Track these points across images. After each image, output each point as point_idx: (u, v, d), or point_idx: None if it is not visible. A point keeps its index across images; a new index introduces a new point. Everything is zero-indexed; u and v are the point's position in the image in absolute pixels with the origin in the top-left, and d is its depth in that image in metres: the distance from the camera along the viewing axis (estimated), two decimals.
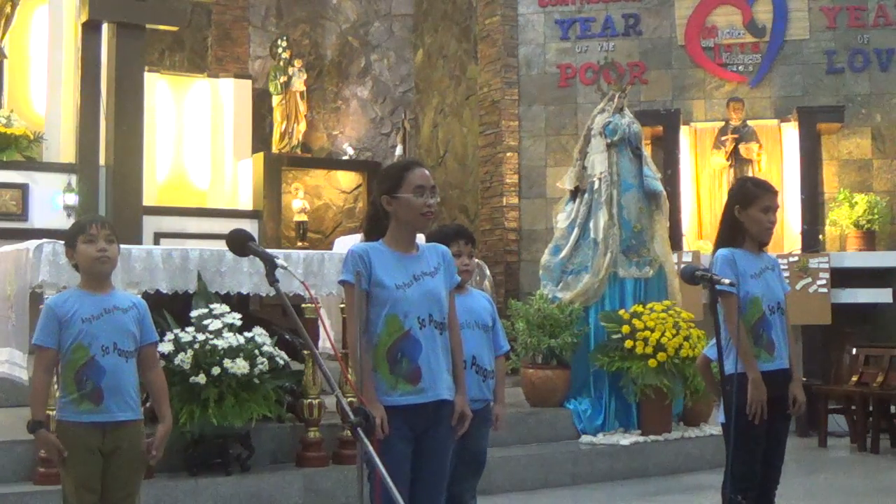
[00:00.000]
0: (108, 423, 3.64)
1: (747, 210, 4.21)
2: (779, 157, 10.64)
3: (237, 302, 6.15)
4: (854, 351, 9.02)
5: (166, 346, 5.50)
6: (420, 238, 3.73)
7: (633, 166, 8.04)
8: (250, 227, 11.69)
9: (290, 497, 5.91)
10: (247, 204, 12.72)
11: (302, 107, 13.28)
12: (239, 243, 3.09)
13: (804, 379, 8.89)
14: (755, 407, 4.05)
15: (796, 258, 9.64)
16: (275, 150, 13.09)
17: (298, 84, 13.20)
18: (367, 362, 3.38)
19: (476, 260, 8.97)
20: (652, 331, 7.40)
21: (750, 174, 10.11)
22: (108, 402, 3.63)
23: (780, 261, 4.52)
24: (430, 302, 3.47)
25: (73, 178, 10.60)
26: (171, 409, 3.94)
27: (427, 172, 3.57)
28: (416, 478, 3.45)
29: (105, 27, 10.55)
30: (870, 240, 10.11)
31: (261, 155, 12.69)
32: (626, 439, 7.38)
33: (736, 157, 10.46)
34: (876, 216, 10.04)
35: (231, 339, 5.62)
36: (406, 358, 3.42)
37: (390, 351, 3.42)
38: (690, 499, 6.62)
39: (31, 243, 5.57)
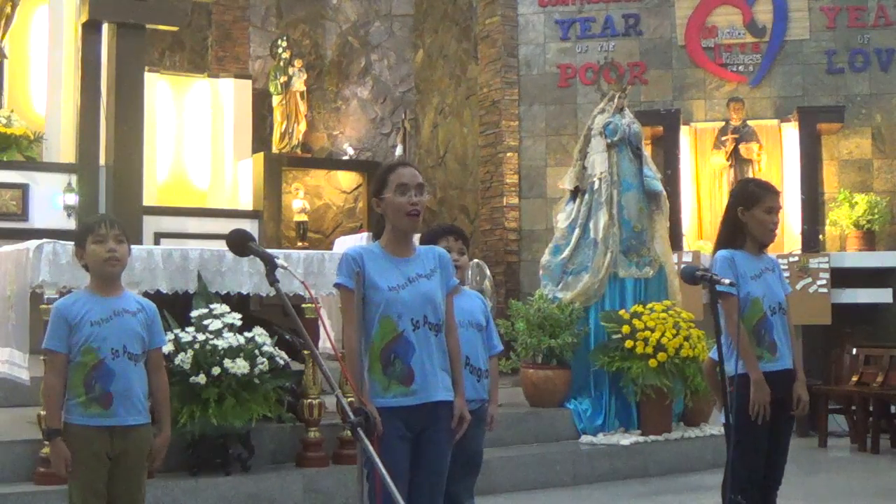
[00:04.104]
0: (117, 427, 3.62)
1: (751, 211, 4.21)
2: (779, 157, 10.64)
3: (237, 302, 6.15)
4: (854, 351, 9.02)
5: (166, 347, 5.50)
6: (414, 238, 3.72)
7: (633, 166, 8.04)
8: (250, 227, 11.69)
9: (290, 497, 5.91)
10: (247, 204, 12.72)
11: (302, 107, 13.28)
12: (239, 243, 3.09)
13: None
14: (758, 407, 4.05)
15: (796, 258, 9.64)
16: (275, 150, 13.09)
17: (298, 84, 13.20)
18: (364, 363, 3.39)
19: (476, 260, 9.01)
20: (652, 331, 7.40)
21: (750, 174, 10.13)
22: (117, 405, 3.61)
23: (780, 261, 4.52)
24: (424, 304, 3.47)
25: (73, 178, 10.60)
26: (171, 413, 3.93)
27: (413, 171, 3.53)
28: (415, 478, 3.45)
29: (105, 27, 10.55)
30: (870, 240, 10.11)
31: (261, 155, 12.69)
32: (626, 439, 7.37)
33: (736, 158, 10.45)
34: (876, 216, 10.04)
35: (231, 339, 5.62)
36: (399, 360, 3.43)
37: (383, 353, 3.43)
38: (690, 499, 6.62)
39: (31, 243, 5.56)
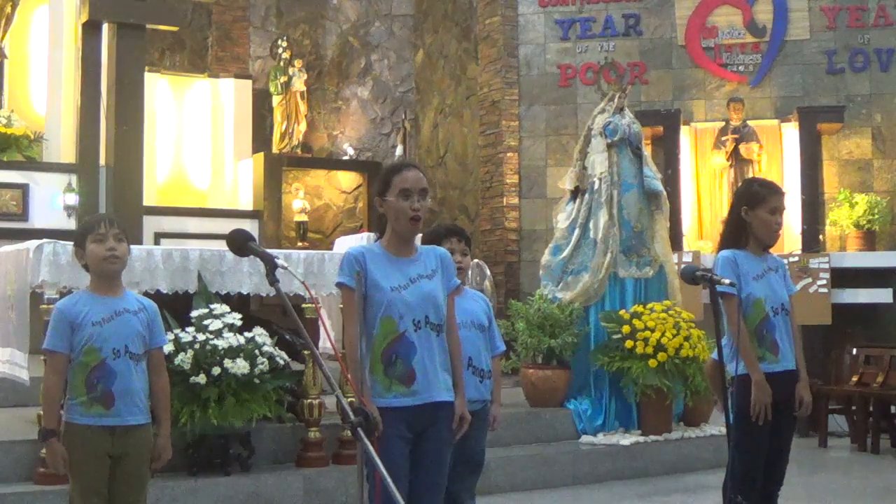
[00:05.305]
0: (118, 427, 3.61)
1: (755, 211, 4.20)
2: (779, 157, 10.64)
3: (237, 302, 6.15)
4: (854, 351, 9.01)
5: (167, 347, 5.49)
6: (416, 239, 3.72)
7: (633, 166, 8.04)
8: (250, 227, 11.69)
9: (290, 497, 5.90)
10: (247, 204, 12.72)
11: (302, 107, 13.29)
12: (239, 243, 3.08)
13: None
14: (759, 408, 4.04)
15: (797, 258, 9.64)
16: (275, 150, 13.10)
17: (299, 84, 13.21)
18: (365, 363, 3.39)
19: (476, 260, 9.01)
20: (652, 331, 7.40)
21: (750, 174, 10.13)
22: (119, 405, 3.60)
23: (783, 261, 4.51)
24: (426, 304, 3.47)
25: (74, 178, 10.60)
26: (171, 413, 3.92)
27: (417, 175, 3.52)
28: (415, 478, 3.45)
29: (105, 27, 10.56)
30: (870, 240, 10.11)
31: (261, 155, 12.69)
32: (626, 439, 7.37)
33: (736, 158, 10.46)
34: (876, 216, 10.04)
35: (231, 339, 5.62)
36: (400, 360, 3.43)
37: (385, 353, 3.43)
38: (690, 499, 6.62)
39: (31, 243, 5.56)
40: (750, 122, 10.51)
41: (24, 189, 10.64)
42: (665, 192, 8.19)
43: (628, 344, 7.42)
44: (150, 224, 11.03)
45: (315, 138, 13.83)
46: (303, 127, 13.32)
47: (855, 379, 8.74)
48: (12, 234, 9.34)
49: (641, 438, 7.43)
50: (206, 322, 5.68)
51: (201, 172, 12.90)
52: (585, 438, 7.44)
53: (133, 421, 3.64)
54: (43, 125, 11.26)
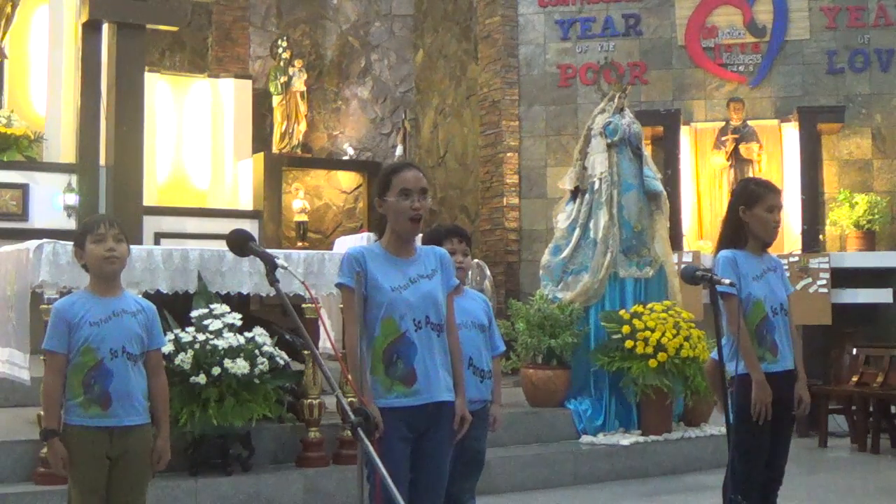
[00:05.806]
0: (116, 428, 3.61)
1: (752, 210, 4.21)
2: (779, 157, 10.64)
3: (237, 302, 6.15)
4: (854, 351, 9.01)
5: (166, 347, 5.50)
6: (416, 239, 3.72)
7: (633, 166, 8.04)
8: (250, 227, 11.69)
9: (291, 497, 5.91)
10: (247, 204, 12.73)
11: (302, 107, 13.29)
12: (239, 243, 3.08)
13: None
14: (759, 408, 4.05)
15: (797, 258, 9.64)
16: (275, 150, 13.11)
17: (299, 84, 13.22)
18: (365, 364, 3.39)
19: (476, 260, 9.01)
20: (652, 331, 7.39)
21: (750, 174, 10.12)
22: (116, 406, 3.60)
23: (781, 261, 4.52)
24: (426, 304, 3.47)
25: (74, 178, 10.61)
26: (170, 413, 3.92)
27: (417, 174, 3.51)
28: (415, 479, 3.45)
29: (105, 27, 10.56)
30: (870, 240, 10.12)
31: (261, 155, 12.70)
32: (626, 439, 7.37)
33: (736, 158, 10.46)
34: (876, 216, 10.05)
35: (231, 339, 5.62)
36: (401, 360, 3.42)
37: (386, 353, 3.43)
38: (690, 499, 6.62)
39: (31, 243, 5.56)
40: (750, 122, 10.51)
41: (24, 189, 10.65)
42: (665, 192, 8.19)
43: (628, 344, 7.42)
44: (150, 224, 11.04)
45: (315, 138, 13.84)
46: (303, 127, 13.33)
47: (855, 379, 8.74)
48: (12, 234, 9.34)
49: (641, 438, 7.43)
50: (206, 322, 5.68)
51: (201, 172, 12.90)
52: (585, 438, 7.44)
53: (130, 422, 3.63)
54: (43, 125, 11.26)
